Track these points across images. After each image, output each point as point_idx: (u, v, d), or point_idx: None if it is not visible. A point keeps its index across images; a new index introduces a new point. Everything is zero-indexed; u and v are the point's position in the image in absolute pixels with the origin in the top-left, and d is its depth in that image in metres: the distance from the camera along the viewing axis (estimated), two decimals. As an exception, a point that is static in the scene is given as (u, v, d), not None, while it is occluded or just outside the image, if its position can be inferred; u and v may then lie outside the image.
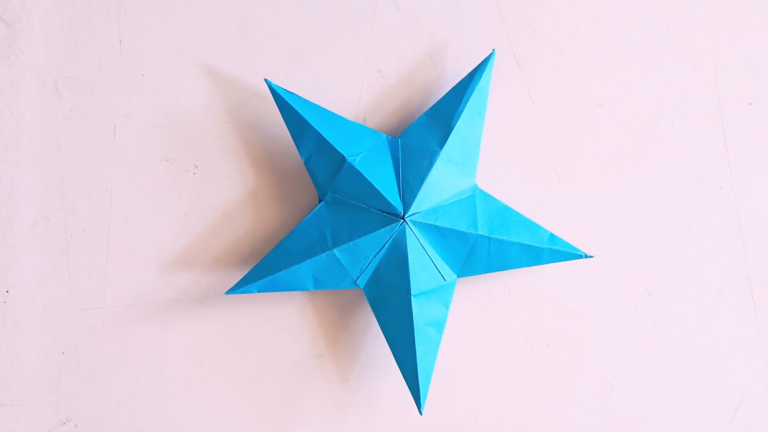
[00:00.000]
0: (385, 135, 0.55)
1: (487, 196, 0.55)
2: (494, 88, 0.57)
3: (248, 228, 0.57)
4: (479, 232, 0.54)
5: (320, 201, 0.55)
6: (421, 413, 0.53)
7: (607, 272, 0.58)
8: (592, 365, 0.57)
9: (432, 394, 0.57)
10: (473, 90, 0.54)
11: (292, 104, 0.54)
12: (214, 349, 0.57)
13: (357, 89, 0.58)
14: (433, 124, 0.55)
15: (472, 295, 0.58)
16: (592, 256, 0.55)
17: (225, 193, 0.57)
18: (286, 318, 0.57)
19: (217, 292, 0.57)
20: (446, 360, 0.57)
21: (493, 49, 0.56)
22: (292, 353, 0.57)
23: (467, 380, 0.57)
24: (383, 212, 0.53)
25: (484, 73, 0.55)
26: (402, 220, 0.53)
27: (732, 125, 0.58)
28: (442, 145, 0.54)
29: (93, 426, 0.56)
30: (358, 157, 0.54)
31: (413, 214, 0.53)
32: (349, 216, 0.54)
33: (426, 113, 0.55)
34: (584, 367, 0.57)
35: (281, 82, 0.57)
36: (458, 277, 0.55)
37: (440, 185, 0.54)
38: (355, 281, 0.54)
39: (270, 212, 0.57)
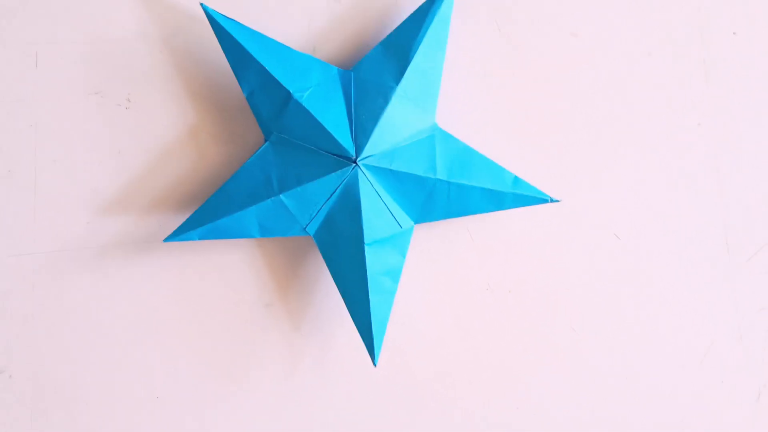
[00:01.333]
0: (336, 68, 0.50)
1: (447, 137, 0.51)
2: (457, 16, 0.52)
3: (188, 168, 0.53)
4: (438, 176, 0.50)
5: (266, 141, 0.50)
6: (375, 364, 0.50)
7: (574, 216, 0.54)
8: (556, 312, 0.55)
9: (387, 344, 0.54)
10: (433, 18, 0.49)
11: (231, 33, 0.49)
12: (157, 297, 0.53)
13: (306, 15, 0.52)
14: (389, 56, 0.50)
15: (431, 241, 0.54)
16: (558, 200, 0.51)
17: (162, 130, 0.53)
18: (232, 265, 0.54)
19: (157, 237, 0.53)
20: (402, 308, 0.54)
21: (456, -28, 0.50)
22: (241, 302, 0.54)
23: (424, 329, 0.54)
24: (334, 155, 0.49)
25: (446, -2, 0.50)
26: (354, 164, 0.49)
27: (714, 56, 0.54)
28: (398, 80, 0.49)
29: (29, 378, 0.53)
30: (305, 93, 0.49)
31: (366, 158, 0.49)
32: (296, 158, 0.49)
33: (381, 43, 0.50)
34: (548, 314, 0.55)
35: (221, 6, 0.51)
36: (415, 223, 0.51)
37: (396, 125, 0.49)
38: (304, 228, 0.50)
39: (212, 151, 0.53)
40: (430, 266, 0.54)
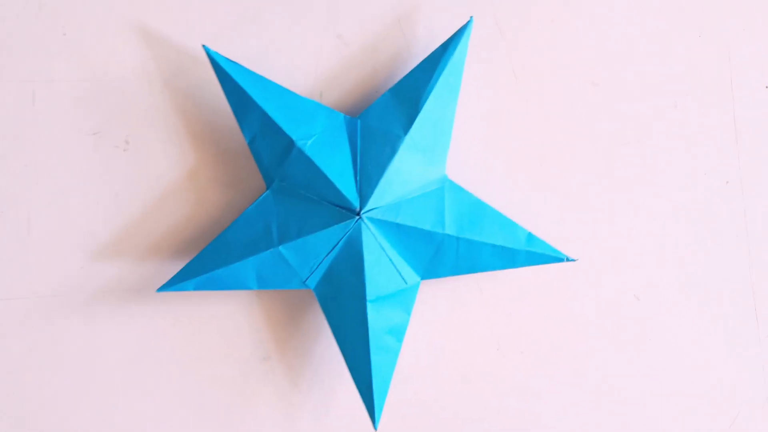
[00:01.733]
0: (342, 115, 0.48)
1: (457, 189, 0.48)
2: (471, 62, 0.50)
3: (187, 213, 0.51)
4: (446, 231, 0.47)
5: (267, 188, 0.48)
6: (375, 428, 0.47)
7: (592, 274, 0.51)
8: (570, 376, 0.52)
9: (390, 405, 0.51)
10: (446, 65, 0.47)
11: (233, 76, 0.47)
12: (150, 347, 0.51)
13: (313, 58, 0.50)
14: (398, 103, 0.47)
15: (438, 296, 0.51)
16: (574, 260, 0.48)
17: (160, 173, 0.51)
18: (229, 316, 0.51)
19: (152, 284, 0.51)
20: (407, 366, 0.51)
21: (471, 17, 0.48)
22: (237, 355, 0.51)
23: (430, 389, 0.51)
24: (337, 206, 0.46)
25: (459, 44, 0.47)
26: (358, 217, 0.46)
27: (745, 112, 0.51)
28: (407, 129, 0.47)
29: (17, 425, 0.51)
30: (309, 141, 0.47)
31: (371, 210, 0.46)
32: (297, 208, 0.47)
33: (390, 90, 0.48)
34: (562, 377, 0.52)
35: (224, 48, 0.49)
36: (422, 279, 0.48)
37: (404, 176, 0.47)
38: (304, 282, 0.48)
39: (212, 196, 0.51)
40: (436, 324, 0.51)
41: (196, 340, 0.51)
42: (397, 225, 0.47)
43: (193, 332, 0.51)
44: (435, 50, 0.47)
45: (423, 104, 0.47)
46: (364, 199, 0.46)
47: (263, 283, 0.48)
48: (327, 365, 0.52)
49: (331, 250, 0.47)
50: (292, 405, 0.52)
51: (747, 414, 0.52)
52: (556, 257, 0.48)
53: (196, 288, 0.47)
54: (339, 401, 0.52)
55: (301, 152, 0.46)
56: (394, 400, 0.51)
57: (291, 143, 0.46)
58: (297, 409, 0.52)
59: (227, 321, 0.51)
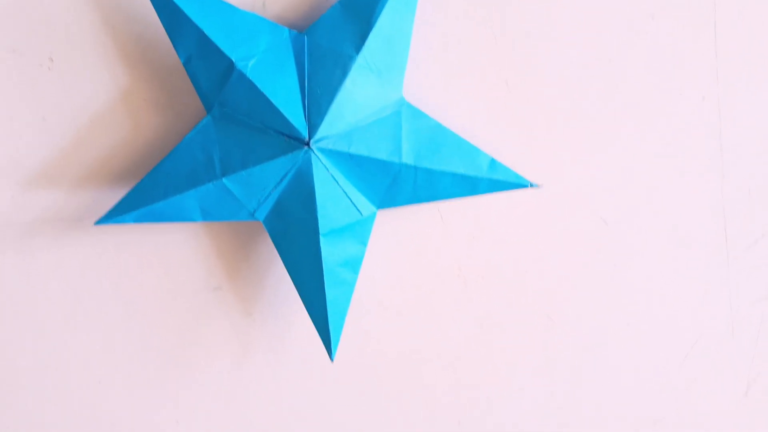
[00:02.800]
0: (288, 30, 0.43)
1: (415, 112, 0.44)
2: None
3: (122, 138, 0.47)
4: (404, 161, 0.44)
5: (207, 113, 0.44)
6: (332, 360, 0.46)
7: (558, 197, 0.49)
8: (534, 301, 0.50)
9: (347, 333, 0.49)
10: (402, -26, 0.42)
11: (164, -11, 0.42)
12: (92, 280, 0.49)
13: (254, -37, 0.45)
14: (349, 18, 0.43)
15: (396, 223, 0.49)
16: (538, 185, 0.46)
17: (91, 95, 0.46)
18: (176, 245, 0.49)
19: (90, 214, 0.48)
20: (364, 295, 0.49)
21: None
22: (185, 285, 0.49)
23: (388, 318, 0.50)
24: (284, 135, 0.42)
25: (417, -50, 0.42)
26: (307, 147, 0.42)
27: (726, 21, 0.47)
28: (359, 47, 0.42)
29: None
30: (250, 62, 0.42)
31: (321, 139, 0.43)
32: (241, 137, 0.43)
33: (340, 2, 0.43)
34: (525, 303, 0.50)
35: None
36: (378, 209, 0.46)
37: (356, 101, 0.43)
38: (252, 214, 0.45)
39: (149, 119, 0.47)
40: (395, 251, 0.49)
41: (140, 271, 0.49)
42: (350, 155, 0.43)
43: (137, 263, 0.49)
44: (390, -44, 0.42)
45: (376, 19, 0.42)
46: (313, 127, 0.42)
47: (208, 215, 0.44)
48: (282, 294, 0.49)
49: (280, 182, 0.43)
50: (247, 335, 0.50)
51: (709, 341, 0.51)
52: (519, 183, 0.46)
53: (136, 221, 0.44)
54: (295, 331, 0.50)
55: (242, 75, 0.42)
56: (351, 332, 0.49)
57: (231, 65, 0.42)
58: (252, 339, 0.50)
59: (174, 251, 0.49)
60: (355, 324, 0.49)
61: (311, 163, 0.43)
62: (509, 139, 0.47)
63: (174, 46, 0.43)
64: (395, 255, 0.49)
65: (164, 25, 0.42)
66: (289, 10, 0.45)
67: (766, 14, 0.47)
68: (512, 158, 0.47)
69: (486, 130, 0.47)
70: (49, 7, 0.45)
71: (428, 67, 0.46)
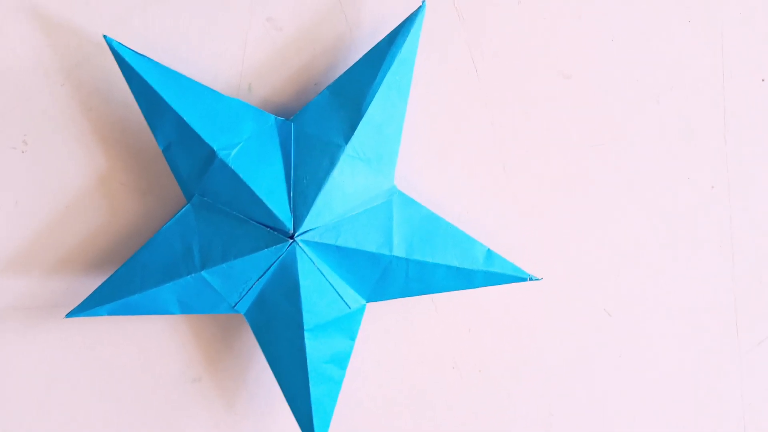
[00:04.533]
0: (273, 117, 0.41)
1: (408, 202, 0.42)
2: (424, 54, 0.43)
3: (99, 223, 0.45)
4: (395, 253, 0.42)
5: (187, 202, 0.42)
6: (318, 461, 0.43)
7: (559, 286, 0.46)
8: (532, 395, 0.47)
9: (337, 426, 0.46)
10: (393, 60, 0.40)
11: (141, 73, 0.40)
12: (66, 371, 0.46)
13: (239, 45, 0.43)
14: (338, 105, 0.41)
15: (388, 313, 0.46)
16: (539, 279, 0.43)
17: (66, 179, 0.44)
18: (153, 334, 0.46)
19: (64, 301, 0.45)
20: (352, 391, 0.47)
21: (423, 1, 0.41)
22: (163, 377, 0.47)
23: (379, 415, 0.47)
24: (267, 227, 0.40)
25: (409, 35, 0.40)
26: (291, 240, 0.40)
27: (736, 108, 0.45)
28: (348, 136, 0.40)
29: None
30: (233, 151, 0.40)
31: (306, 232, 0.40)
32: (222, 228, 0.41)
33: (329, 88, 0.41)
34: (523, 396, 0.47)
35: (132, 35, 0.42)
36: (368, 302, 0.43)
37: (345, 191, 0.41)
38: (233, 307, 0.42)
39: (127, 204, 0.45)
40: (386, 344, 0.47)
41: (117, 361, 0.46)
42: (338, 247, 0.41)
43: (113, 353, 0.46)
44: (380, 42, 0.41)
45: (366, 107, 0.40)
46: (298, 219, 0.40)
47: (186, 308, 0.42)
48: (265, 387, 0.47)
49: (262, 275, 0.41)
50: (227, 428, 0.47)
51: None
52: (518, 276, 0.43)
53: (110, 313, 0.42)
54: (279, 426, 0.47)
55: (223, 164, 0.40)
56: (339, 423, 0.46)
57: (212, 153, 0.40)
58: (233, 433, 0.47)
59: (152, 340, 0.46)
60: (343, 422, 0.46)
61: (296, 257, 0.40)
62: (507, 227, 0.45)
63: (153, 132, 0.41)
64: (387, 348, 0.47)
65: (143, 111, 0.40)
66: (276, 94, 0.44)
67: (777, 100, 0.46)
68: (510, 248, 0.45)
69: (482, 219, 0.45)
70: (24, 87, 0.43)
71: (421, 154, 0.44)
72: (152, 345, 0.46)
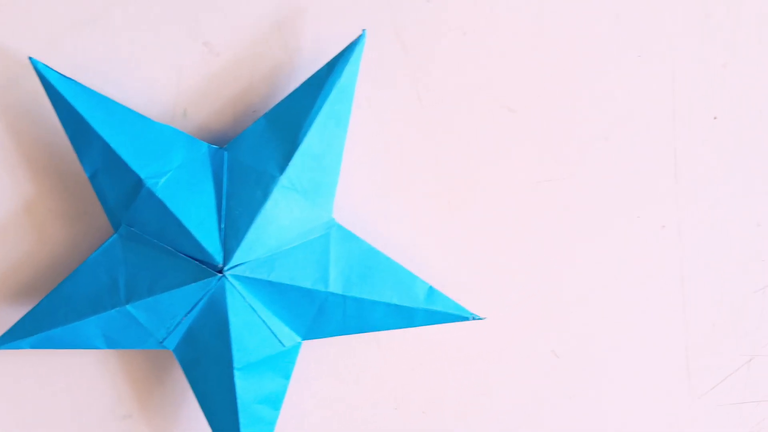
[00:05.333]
0: (207, 145, 0.40)
1: (346, 236, 0.41)
2: (365, 84, 0.41)
3: (25, 251, 0.43)
4: (331, 289, 0.40)
5: (115, 232, 0.40)
6: (250, 506, 0.41)
7: (505, 327, 0.45)
8: (478, 438, 0.46)
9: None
10: (331, 89, 0.39)
11: (67, 97, 0.38)
12: (-12, 404, 0.44)
13: (175, 70, 0.41)
14: (274, 135, 0.39)
15: (327, 350, 0.44)
16: (482, 318, 0.42)
17: (-10, 205, 0.42)
18: (80, 369, 0.44)
19: (-14, 333, 0.43)
20: (290, 430, 0.45)
21: (364, 30, 0.39)
22: (91, 413, 0.45)
23: (317, 456, 0.45)
24: (196, 260, 0.38)
25: (350, 62, 0.39)
26: (221, 275, 0.38)
27: (687, 146, 0.44)
28: (283, 167, 0.39)
29: None
30: (162, 180, 0.38)
31: (237, 266, 0.38)
32: (149, 260, 0.39)
33: (265, 116, 0.40)
34: (469, 439, 0.46)
35: (63, 58, 0.40)
36: (304, 339, 0.41)
37: (279, 224, 0.39)
38: (161, 343, 0.40)
39: (54, 231, 0.43)
40: (324, 381, 0.45)
41: (43, 396, 0.44)
42: (271, 283, 0.39)
43: (37, 387, 0.44)
44: (319, 70, 0.39)
45: (303, 137, 0.39)
46: (228, 252, 0.38)
47: (112, 343, 0.40)
48: (200, 425, 0.45)
49: (191, 311, 0.39)
50: (159, 469, 0.45)
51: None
52: (460, 316, 0.41)
53: (33, 347, 0.40)
54: (212, 465, 0.45)
55: (151, 193, 0.38)
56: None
57: (139, 182, 0.38)
58: (164, 473, 0.45)
59: (78, 375, 0.44)
60: (276, 465, 0.44)
61: (225, 292, 0.38)
62: (451, 265, 0.44)
63: (79, 158, 0.39)
64: (325, 388, 0.45)
65: (69, 136, 0.39)
66: (212, 121, 0.42)
67: (726, 137, 0.44)
68: (454, 287, 0.43)
69: (425, 255, 0.43)
70: (-54, 109, 0.41)
71: (362, 187, 0.42)
72: (81, 380, 0.44)
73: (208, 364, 0.40)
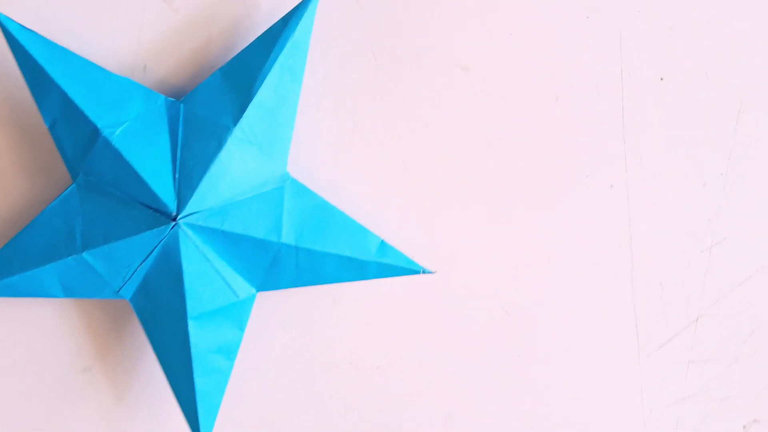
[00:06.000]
0: (163, 97, 0.41)
1: (300, 189, 0.42)
2: (321, 40, 0.42)
3: (-14, 204, 0.43)
4: (283, 240, 0.41)
5: (73, 182, 0.41)
6: (204, 457, 0.42)
7: (457, 284, 0.46)
8: (429, 393, 0.46)
9: (221, 425, 0.45)
10: (285, 42, 0.40)
11: (29, 49, 0.39)
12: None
13: (135, 26, 0.42)
14: (229, 87, 0.40)
15: (283, 306, 0.45)
16: (432, 272, 0.43)
17: (-47, 157, 0.43)
18: (40, 321, 0.45)
19: (-54, 284, 0.44)
20: (241, 384, 0.45)
21: (319, -15, 0.40)
22: (51, 366, 0.45)
23: (272, 408, 0.46)
24: (150, 208, 0.39)
25: (304, 17, 0.40)
26: (174, 223, 0.39)
27: (635, 106, 0.45)
28: (237, 118, 0.40)
29: None
30: (118, 130, 0.39)
31: (190, 215, 0.39)
32: (105, 209, 0.40)
33: (221, 70, 0.41)
34: (421, 395, 0.46)
35: (26, 9, 0.41)
36: (258, 291, 0.42)
37: (233, 174, 0.40)
38: (117, 292, 0.41)
39: (15, 184, 0.43)
40: (279, 336, 0.45)
41: (0, 347, 0.45)
42: (224, 232, 0.40)
43: (-2, 339, 0.45)
44: (274, 24, 0.40)
45: (257, 90, 0.40)
46: (182, 201, 0.39)
47: (69, 291, 0.41)
48: (159, 378, 0.45)
49: (145, 259, 0.40)
50: (118, 421, 0.46)
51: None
52: (411, 269, 0.42)
53: (-9, 295, 0.41)
54: (173, 419, 0.46)
55: (107, 142, 0.39)
56: (225, 426, 0.45)
57: (96, 131, 0.39)
58: (125, 427, 0.46)
59: (38, 327, 0.45)
60: (230, 417, 0.45)
61: (179, 240, 0.39)
62: (404, 221, 0.44)
63: (39, 108, 0.40)
64: (280, 342, 0.45)
65: (29, 86, 0.40)
66: (170, 76, 0.43)
67: (673, 99, 0.46)
68: (407, 243, 0.44)
69: (378, 211, 0.44)
70: None
71: (317, 141, 0.43)
72: (39, 332, 0.45)
73: (163, 314, 0.41)
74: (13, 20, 0.39)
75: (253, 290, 0.42)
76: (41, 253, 0.40)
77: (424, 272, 0.42)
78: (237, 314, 0.42)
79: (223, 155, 0.39)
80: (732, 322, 0.47)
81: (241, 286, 0.42)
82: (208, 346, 0.41)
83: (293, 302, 0.45)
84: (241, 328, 0.42)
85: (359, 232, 0.42)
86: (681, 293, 0.47)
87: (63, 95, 0.39)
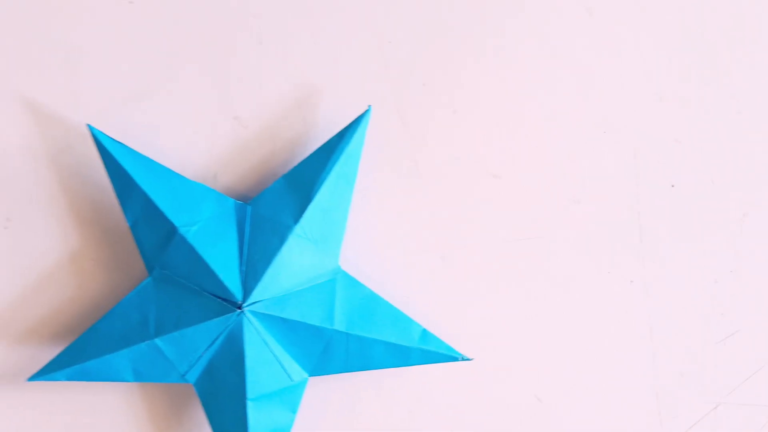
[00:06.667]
0: (233, 200, 0.46)
1: (351, 282, 0.46)
2: (371, 151, 0.48)
3: (67, 297, 0.48)
4: (335, 327, 0.45)
5: (149, 275, 0.45)
6: None
7: (493, 373, 0.49)
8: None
9: None
10: (341, 153, 0.45)
11: (116, 157, 0.45)
12: (22, 436, 0.48)
13: (208, 139, 0.48)
14: (291, 191, 0.45)
15: (331, 391, 0.49)
16: (470, 359, 0.46)
17: (41, 254, 0.48)
18: (108, 407, 0.48)
19: (26, 371, 0.48)
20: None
21: (369, 105, 0.46)
22: (114, 448, 0.48)
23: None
24: (219, 298, 0.44)
25: (356, 133, 0.46)
26: (240, 310, 0.44)
27: (649, 210, 0.50)
28: (297, 218, 0.45)
29: None
30: (193, 228, 0.44)
31: (254, 303, 0.44)
32: (177, 299, 0.44)
33: (284, 177, 0.46)
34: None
35: (115, 126, 0.47)
36: (310, 376, 0.46)
37: (292, 267, 0.45)
38: (183, 376, 0.45)
39: (95, 279, 0.48)
40: (327, 421, 0.49)
41: (72, 430, 0.48)
42: (283, 320, 0.44)
43: (68, 424, 0.48)
44: (331, 138, 0.46)
45: (315, 193, 0.45)
46: (247, 291, 0.44)
47: (140, 376, 0.45)
48: (212, 462, 0.48)
49: (211, 344, 0.44)
50: (173, 504, 0.48)
51: None
52: (451, 356, 0.46)
53: (68, 378, 0.45)
54: (223, 502, 0.48)
55: (183, 239, 0.44)
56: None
57: (173, 229, 0.44)
58: None
59: (106, 413, 0.48)
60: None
61: (243, 326, 0.44)
62: (443, 311, 0.49)
63: (123, 209, 0.45)
64: (327, 424, 0.49)
65: (115, 189, 0.45)
66: (238, 183, 0.48)
67: (683, 202, 0.50)
68: (445, 330, 0.48)
69: (420, 302, 0.48)
70: (9, 169, 0.47)
71: (365, 239, 0.48)
72: (106, 417, 0.48)
73: (224, 395, 0.45)
74: (104, 133, 0.45)
75: (306, 375, 0.46)
76: (116, 340, 0.44)
77: (462, 359, 0.46)
78: (290, 397, 0.45)
79: (285, 250, 0.44)
80: (748, 410, 0.50)
81: (296, 370, 0.45)
82: (263, 427, 0.44)
83: (338, 388, 0.49)
84: (294, 410, 0.46)
85: (403, 320, 0.46)
86: (700, 382, 0.50)
87: (145, 197, 0.44)
